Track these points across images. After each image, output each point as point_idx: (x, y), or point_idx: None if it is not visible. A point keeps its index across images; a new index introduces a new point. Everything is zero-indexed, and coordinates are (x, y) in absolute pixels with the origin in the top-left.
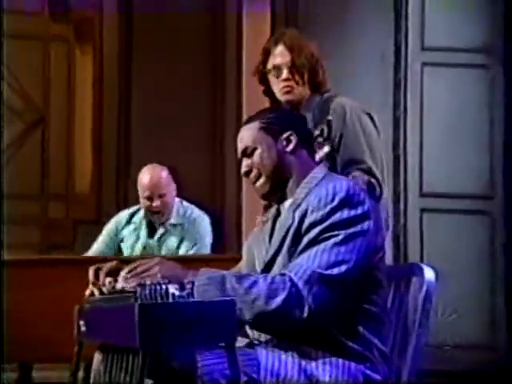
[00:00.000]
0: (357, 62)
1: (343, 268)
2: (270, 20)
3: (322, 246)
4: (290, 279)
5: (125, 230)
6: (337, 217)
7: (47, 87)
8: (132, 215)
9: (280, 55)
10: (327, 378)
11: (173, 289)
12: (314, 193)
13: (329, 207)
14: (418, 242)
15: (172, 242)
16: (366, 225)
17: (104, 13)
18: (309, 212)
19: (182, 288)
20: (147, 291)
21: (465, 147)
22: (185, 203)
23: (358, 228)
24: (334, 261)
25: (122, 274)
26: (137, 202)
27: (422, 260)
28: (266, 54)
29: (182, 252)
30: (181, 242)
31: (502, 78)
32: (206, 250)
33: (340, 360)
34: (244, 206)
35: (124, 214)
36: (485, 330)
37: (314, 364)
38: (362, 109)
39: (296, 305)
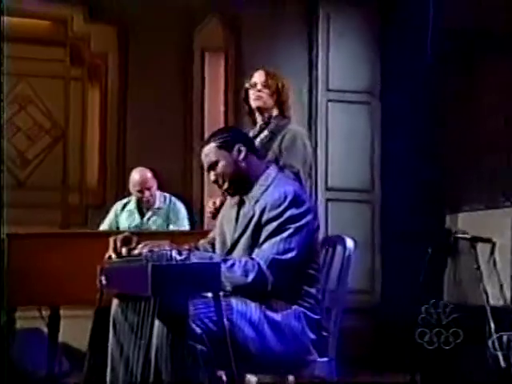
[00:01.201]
0: None
1: (293, 253)
2: (223, 66)
3: (278, 237)
4: (258, 263)
5: (121, 214)
6: (287, 214)
7: (67, 111)
8: (125, 204)
9: (258, 76)
10: (280, 318)
11: (175, 254)
12: (271, 192)
13: (282, 207)
14: (323, 222)
15: (157, 220)
16: (308, 218)
17: (108, 61)
18: (267, 210)
19: (179, 254)
20: (156, 256)
21: (356, 157)
22: (164, 193)
23: (302, 222)
24: (287, 248)
25: (140, 245)
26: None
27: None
28: (250, 78)
29: (170, 228)
30: (165, 220)
31: (379, 111)
32: (186, 226)
33: (290, 306)
34: (205, 196)
35: (119, 204)
36: (366, 278)
37: (272, 309)
38: (306, 135)
39: (261, 282)
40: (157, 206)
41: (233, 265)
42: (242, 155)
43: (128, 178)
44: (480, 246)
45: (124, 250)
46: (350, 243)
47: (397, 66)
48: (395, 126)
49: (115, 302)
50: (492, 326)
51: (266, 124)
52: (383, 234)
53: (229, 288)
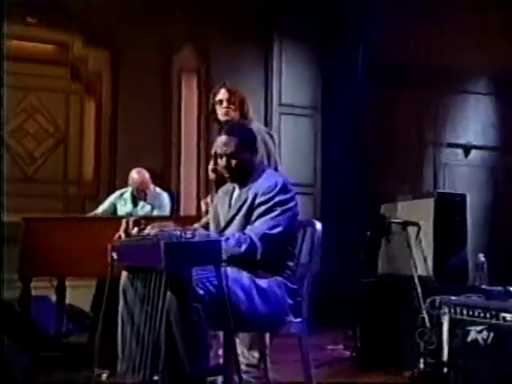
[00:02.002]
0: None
1: (280, 229)
2: (196, 84)
3: (268, 216)
4: (250, 236)
5: (119, 201)
6: (277, 199)
7: (68, 119)
8: (122, 193)
9: (222, 94)
10: (266, 285)
11: (183, 234)
12: (262, 182)
13: (272, 193)
14: None
15: (147, 208)
16: (292, 203)
17: (102, 79)
18: (259, 195)
19: (185, 234)
20: (167, 235)
21: (302, 158)
22: (156, 188)
23: (288, 206)
24: (275, 225)
25: (149, 226)
26: (120, 185)
27: None
28: (214, 95)
29: (154, 213)
30: (152, 207)
31: (320, 123)
32: (166, 212)
33: (273, 276)
34: (182, 187)
35: (118, 193)
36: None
37: (259, 278)
38: (266, 130)
39: (252, 252)
40: (149, 198)
41: (228, 238)
42: (254, 155)
43: (118, 173)
44: (409, 228)
45: (135, 231)
46: (318, 226)
47: (335, 86)
48: (333, 134)
49: (124, 274)
50: (419, 290)
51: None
52: (324, 222)
53: (224, 257)
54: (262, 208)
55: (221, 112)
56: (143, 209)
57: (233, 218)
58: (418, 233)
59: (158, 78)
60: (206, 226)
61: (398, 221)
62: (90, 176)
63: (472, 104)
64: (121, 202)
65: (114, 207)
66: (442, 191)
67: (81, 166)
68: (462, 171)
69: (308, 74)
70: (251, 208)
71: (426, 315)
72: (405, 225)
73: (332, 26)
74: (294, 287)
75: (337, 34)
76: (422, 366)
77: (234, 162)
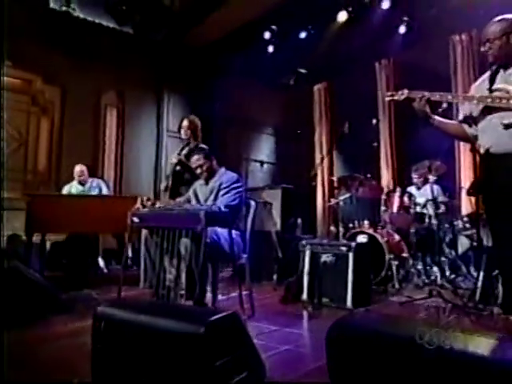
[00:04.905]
0: (139, 135)
1: (236, 201)
2: (116, 115)
3: (229, 194)
4: (219, 207)
5: (70, 188)
6: (234, 185)
7: (28, 130)
8: (71, 185)
9: (185, 122)
10: (234, 235)
11: (199, 206)
12: (224, 177)
13: (231, 182)
14: None
15: (94, 190)
16: (242, 188)
17: (54, 106)
18: (223, 183)
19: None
20: (190, 207)
21: None
22: (95, 178)
23: (239, 190)
24: (234, 199)
25: (157, 202)
26: (64, 175)
27: None
28: (181, 121)
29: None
30: (99, 190)
31: None
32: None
33: (236, 230)
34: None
35: (68, 186)
36: None
37: (231, 232)
38: (207, 147)
39: (221, 215)
40: (88, 182)
41: (210, 207)
42: (214, 162)
43: (63, 166)
44: (268, 205)
45: (148, 204)
46: (253, 203)
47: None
48: None
49: (144, 231)
50: (274, 237)
51: (187, 144)
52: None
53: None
54: (225, 190)
55: (183, 133)
56: (89, 191)
57: (207, 198)
58: (271, 207)
59: (92, 108)
60: (189, 201)
61: (263, 201)
62: (43, 168)
63: (264, 139)
64: (72, 188)
65: (70, 190)
66: (285, 185)
67: (36, 161)
68: (260, 175)
69: (185, 111)
70: (218, 191)
71: (279, 249)
72: (265, 203)
73: (200, 87)
74: (242, 236)
75: (203, 92)
76: (294, 278)
77: (204, 169)
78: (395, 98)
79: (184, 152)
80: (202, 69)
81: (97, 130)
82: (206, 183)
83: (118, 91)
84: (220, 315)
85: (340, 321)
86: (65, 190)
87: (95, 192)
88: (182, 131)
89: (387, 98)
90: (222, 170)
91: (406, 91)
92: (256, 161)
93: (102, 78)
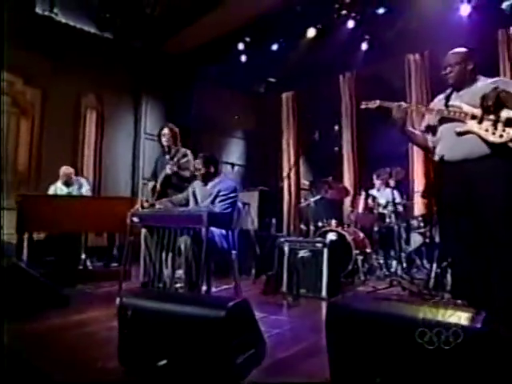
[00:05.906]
0: (118, 137)
1: (230, 210)
2: (95, 119)
3: (224, 201)
4: (215, 210)
5: (56, 190)
6: (231, 195)
7: (9, 130)
8: (56, 185)
9: (166, 130)
10: (225, 233)
11: (198, 208)
12: (221, 184)
13: (228, 190)
14: None
15: (77, 191)
16: (237, 197)
17: (35, 107)
18: (221, 190)
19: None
20: (192, 208)
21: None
22: (79, 176)
23: (235, 198)
24: (227, 207)
25: (156, 203)
26: (44, 175)
27: None
28: (161, 129)
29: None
30: (80, 191)
31: None
32: (89, 193)
33: (227, 230)
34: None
35: (53, 186)
36: None
37: (223, 231)
38: (188, 150)
39: (220, 217)
40: (74, 184)
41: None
42: (212, 168)
43: (43, 167)
44: (247, 206)
45: (146, 205)
46: (241, 207)
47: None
48: None
49: (144, 230)
50: (253, 234)
51: (169, 148)
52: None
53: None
54: (221, 197)
55: (164, 140)
56: (76, 191)
57: (205, 200)
58: (249, 208)
59: (72, 110)
60: (188, 199)
61: (241, 202)
62: (24, 168)
63: (235, 143)
64: (57, 189)
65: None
66: (262, 188)
67: (16, 161)
68: (231, 177)
69: (162, 115)
70: (216, 197)
71: (257, 246)
72: (244, 204)
73: (176, 92)
74: (233, 236)
75: (180, 97)
76: (274, 272)
77: (203, 172)
78: (369, 106)
79: (174, 160)
80: (179, 75)
81: (76, 131)
82: (205, 184)
83: (98, 94)
84: (236, 301)
85: (335, 302)
86: (51, 191)
87: (79, 192)
88: (164, 138)
89: (362, 106)
90: (222, 176)
91: (378, 101)
92: (227, 163)
93: (82, 81)
